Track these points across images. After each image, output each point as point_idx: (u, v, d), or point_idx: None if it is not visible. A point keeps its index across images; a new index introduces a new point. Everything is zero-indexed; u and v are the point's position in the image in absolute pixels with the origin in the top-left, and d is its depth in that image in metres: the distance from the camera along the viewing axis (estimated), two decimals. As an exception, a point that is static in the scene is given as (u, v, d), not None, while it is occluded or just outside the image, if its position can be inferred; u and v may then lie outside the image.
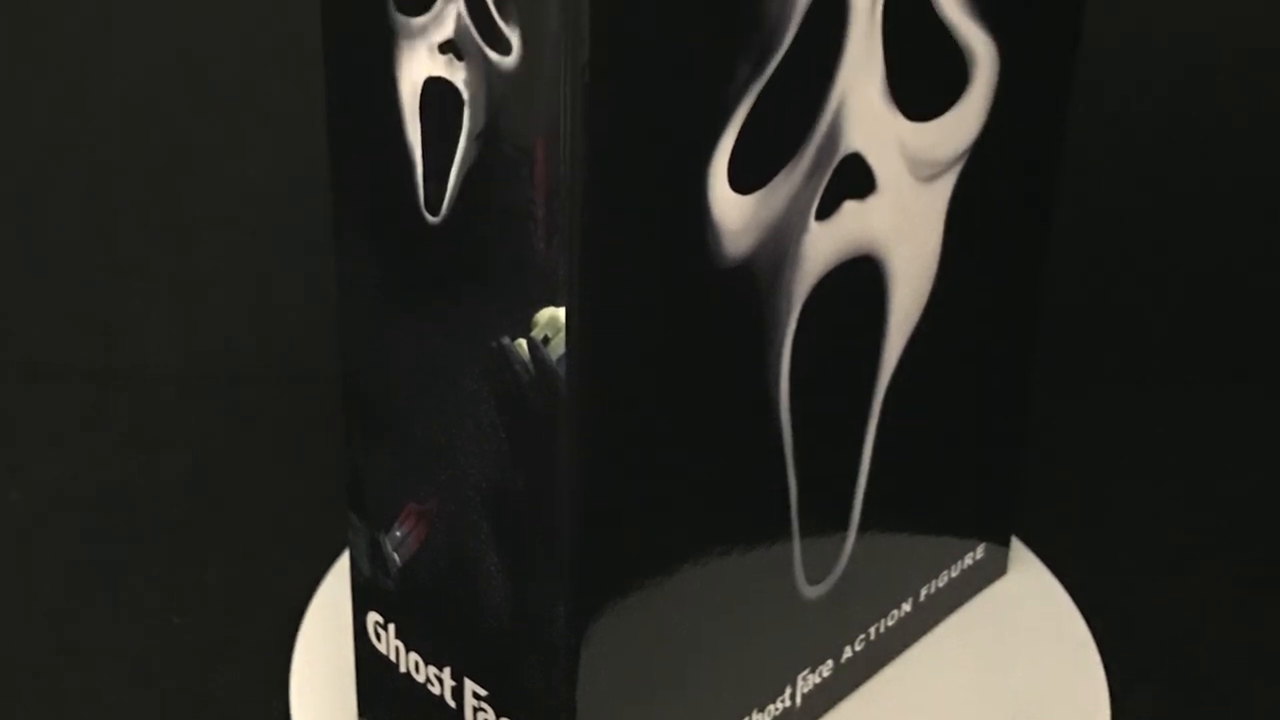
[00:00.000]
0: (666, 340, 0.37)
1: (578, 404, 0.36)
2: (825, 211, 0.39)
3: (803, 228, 0.39)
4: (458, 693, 0.41)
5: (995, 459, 0.50)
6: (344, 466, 0.42)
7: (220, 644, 0.51)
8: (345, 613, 0.48)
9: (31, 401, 0.62)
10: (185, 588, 0.53)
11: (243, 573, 0.53)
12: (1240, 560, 0.55)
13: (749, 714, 0.44)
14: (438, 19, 0.35)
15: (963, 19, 0.41)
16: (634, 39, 0.33)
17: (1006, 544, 0.52)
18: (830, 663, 0.46)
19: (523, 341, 0.36)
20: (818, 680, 0.46)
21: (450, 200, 0.36)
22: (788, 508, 0.42)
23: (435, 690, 0.42)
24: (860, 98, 0.39)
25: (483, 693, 0.41)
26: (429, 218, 0.37)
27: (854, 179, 0.40)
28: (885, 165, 0.40)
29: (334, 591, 0.51)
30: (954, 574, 0.50)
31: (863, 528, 0.45)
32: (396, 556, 0.41)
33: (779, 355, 0.40)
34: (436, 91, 0.35)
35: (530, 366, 0.36)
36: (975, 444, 0.49)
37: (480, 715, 0.41)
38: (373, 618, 0.43)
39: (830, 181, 0.39)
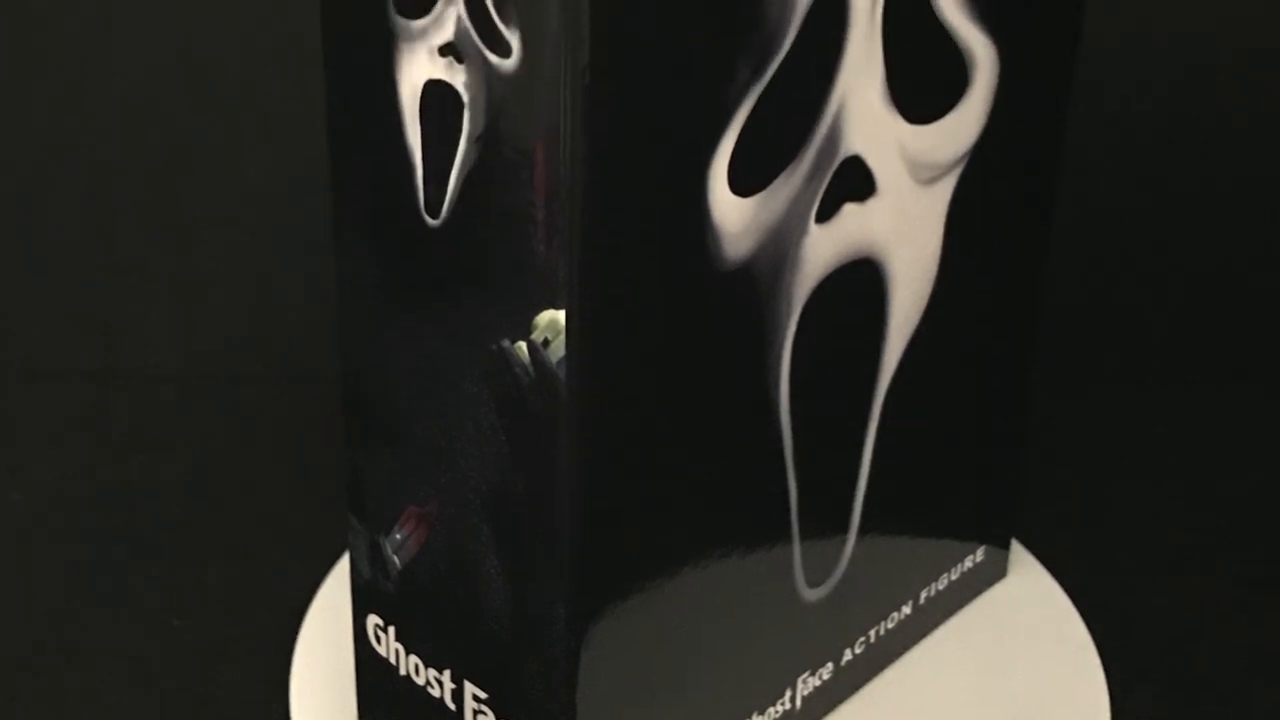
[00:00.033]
0: (666, 343, 0.37)
1: (577, 406, 0.36)
2: (825, 214, 0.39)
3: (803, 230, 0.39)
4: (458, 695, 0.41)
5: (995, 461, 0.50)
6: (344, 468, 0.42)
7: (220, 646, 0.51)
8: (345, 615, 0.48)
9: (32, 402, 0.62)
10: (185, 589, 0.53)
11: (243, 574, 0.53)
12: (1240, 562, 0.55)
13: (749, 716, 0.44)
14: (438, 21, 0.35)
15: (963, 21, 0.41)
16: (634, 41, 0.33)
17: (1006, 546, 0.52)
18: (830, 665, 0.46)
19: (523, 344, 0.36)
20: (818, 683, 0.46)
21: (450, 203, 0.36)
22: (788, 510, 0.42)
23: (435, 693, 0.42)
24: (860, 100, 0.39)
25: (483, 695, 0.41)
26: (429, 220, 0.37)
27: (854, 181, 0.40)
28: (885, 168, 0.40)
29: (334, 594, 0.51)
30: (954, 576, 0.50)
31: (863, 530, 0.45)
32: (396, 559, 0.41)
33: (779, 357, 0.40)
34: (436, 94, 0.35)
35: (530, 369, 0.36)
36: (975, 446, 0.49)
37: (480, 718, 0.41)
38: (373, 620, 0.43)
39: (830, 184, 0.39)
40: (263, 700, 0.48)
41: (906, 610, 0.48)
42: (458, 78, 0.35)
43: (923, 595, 0.49)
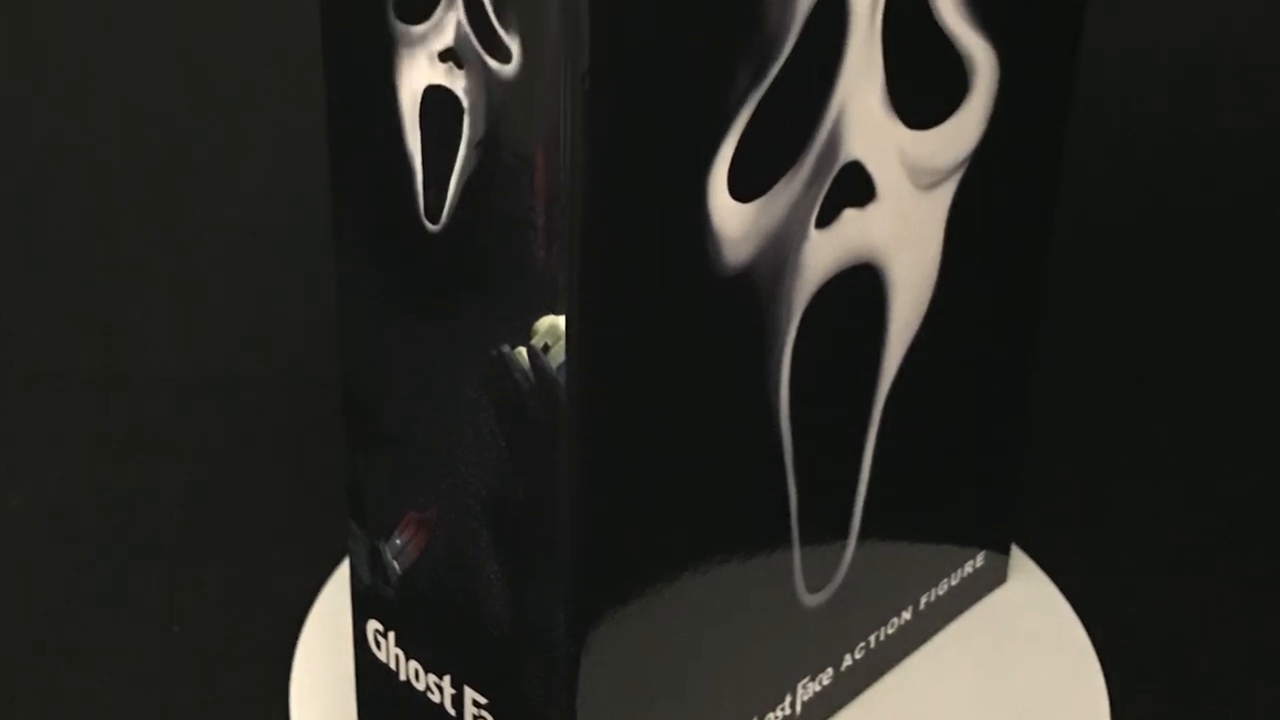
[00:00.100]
0: (666, 348, 0.37)
1: (577, 412, 0.36)
2: (825, 220, 0.39)
3: (803, 236, 0.39)
4: (458, 701, 0.41)
5: (995, 467, 0.50)
6: (344, 474, 0.42)
7: (220, 651, 0.51)
8: (345, 621, 0.48)
9: (31, 407, 0.62)
10: (185, 594, 0.53)
11: (243, 579, 0.53)
12: (1241, 567, 0.55)
13: (749, 722, 0.44)
14: (437, 27, 0.34)
15: (963, 26, 0.41)
16: (634, 46, 0.33)
17: (1006, 552, 0.52)
18: (830, 671, 0.46)
19: (522, 349, 0.36)
20: (818, 688, 0.46)
21: (450, 208, 0.36)
22: (788, 516, 0.42)
23: (435, 698, 0.42)
24: (860, 106, 0.39)
25: (483, 701, 0.41)
26: (429, 226, 0.36)
27: (854, 187, 0.40)
28: (885, 173, 0.40)
29: (334, 599, 0.51)
30: (954, 582, 0.50)
31: (863, 536, 0.45)
32: (396, 565, 0.41)
33: (779, 363, 0.40)
34: (436, 99, 0.35)
35: (530, 374, 0.36)
36: (975, 452, 0.49)
37: (480, 723, 0.41)
38: (372, 626, 0.43)
39: (830, 190, 0.39)
40: (263, 706, 0.48)
41: (906, 616, 0.48)
42: (458, 83, 0.34)
43: (923, 600, 0.49)
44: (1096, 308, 0.68)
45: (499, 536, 0.38)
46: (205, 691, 0.49)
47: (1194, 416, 0.63)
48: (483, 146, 0.35)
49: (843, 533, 0.45)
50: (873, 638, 0.47)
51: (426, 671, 0.42)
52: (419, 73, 0.35)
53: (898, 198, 0.41)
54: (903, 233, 0.42)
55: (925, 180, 0.42)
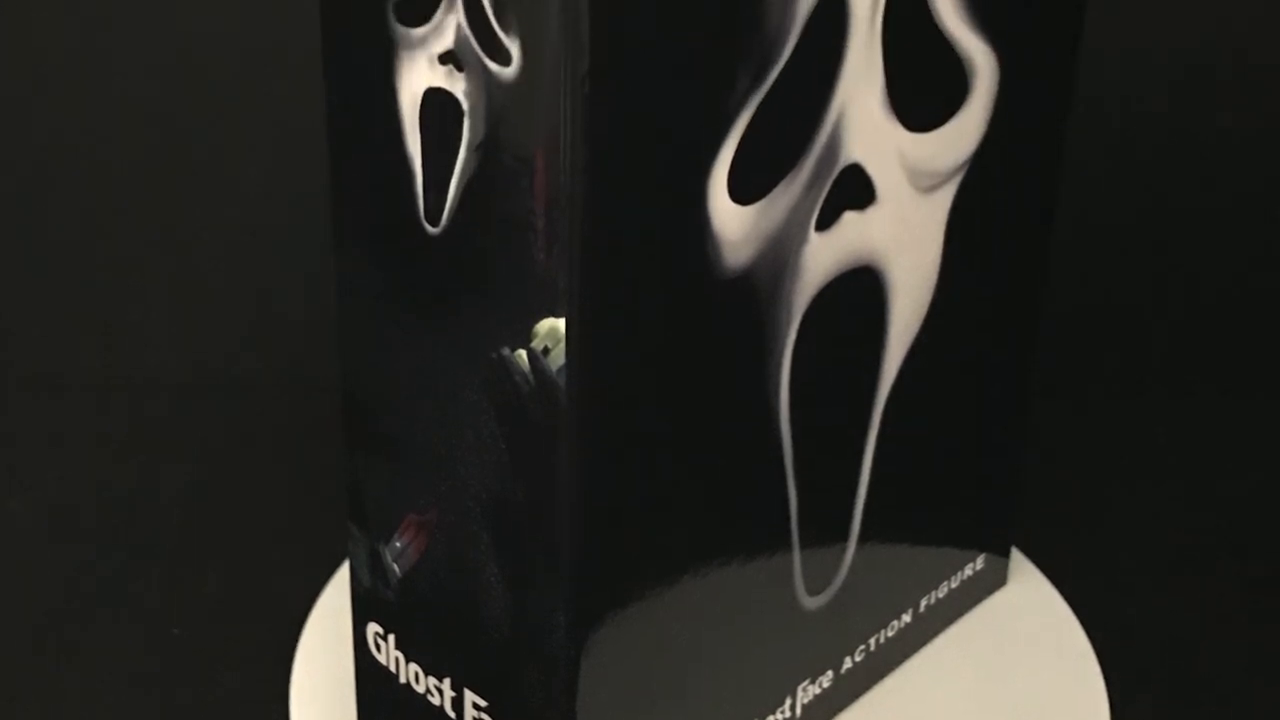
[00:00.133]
0: (666, 350, 0.37)
1: (577, 414, 0.36)
2: (825, 222, 0.39)
3: (802, 239, 0.39)
4: (458, 703, 0.41)
5: (995, 469, 0.50)
6: (344, 476, 0.42)
7: (220, 653, 0.51)
8: (345, 623, 0.48)
9: (32, 408, 0.62)
10: (186, 597, 0.53)
11: (243, 582, 0.53)
12: (1241, 569, 0.55)
13: (749, 724, 0.44)
14: (437, 30, 0.34)
15: (963, 29, 0.41)
16: (634, 48, 0.33)
17: (1006, 555, 0.52)
18: (830, 673, 0.46)
19: (523, 352, 0.36)
20: (818, 691, 0.46)
21: (450, 211, 0.36)
22: (788, 518, 0.42)
23: (435, 701, 0.42)
24: (860, 108, 0.39)
25: (483, 703, 0.41)
26: (429, 228, 0.36)
27: (854, 190, 0.40)
28: (885, 176, 0.40)
29: (334, 602, 0.51)
30: (954, 585, 0.50)
31: (863, 538, 0.45)
32: (396, 567, 0.41)
33: (779, 366, 0.40)
34: (436, 102, 0.35)
35: (530, 377, 0.36)
36: (975, 454, 0.49)
37: (480, 726, 0.41)
38: (372, 628, 0.43)
39: (830, 192, 0.39)
40: (262, 707, 0.48)
41: (906, 618, 0.48)
42: (458, 86, 0.34)
43: (923, 603, 0.49)
44: (1096, 308, 0.68)
45: (499, 539, 0.38)
46: (205, 692, 0.49)
47: (1194, 417, 0.63)
48: (483, 149, 0.35)
49: (843, 535, 0.45)
50: (872, 640, 0.47)
51: (426, 674, 0.42)
52: (419, 75, 0.35)
53: (898, 200, 0.41)
54: (903, 235, 0.42)
55: (925, 183, 0.42)
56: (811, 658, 0.45)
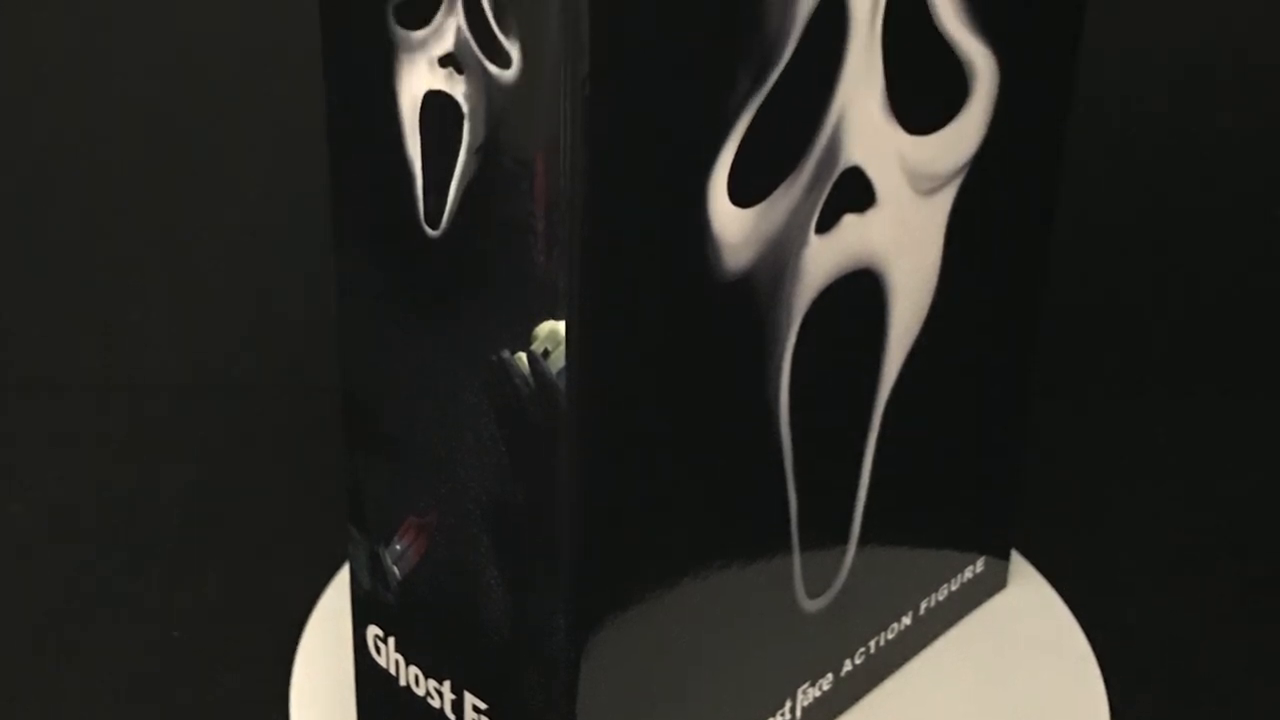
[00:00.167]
0: (666, 353, 0.37)
1: (577, 417, 0.36)
2: (825, 225, 0.39)
3: (802, 241, 0.39)
4: (458, 706, 0.41)
5: (995, 472, 0.50)
6: (344, 479, 0.42)
7: (220, 656, 0.51)
8: (345, 626, 0.48)
9: (32, 409, 0.62)
10: (185, 596, 0.53)
11: (243, 584, 0.53)
12: (1240, 570, 0.55)
13: (749, 727, 0.44)
14: (438, 32, 0.34)
15: (963, 32, 0.41)
16: (634, 51, 0.33)
17: (1006, 557, 0.52)
18: (830, 676, 0.46)
19: (523, 355, 0.36)
20: (817, 694, 0.46)
21: (450, 213, 0.36)
22: (788, 521, 0.42)
23: (435, 703, 0.42)
24: (860, 111, 0.39)
25: (483, 706, 0.41)
26: (429, 231, 0.36)
27: (854, 192, 0.40)
28: (885, 178, 0.40)
29: (334, 604, 0.51)
30: (954, 587, 0.50)
31: (863, 541, 0.45)
32: (396, 570, 0.41)
33: (779, 368, 0.40)
34: (436, 105, 0.35)
35: (530, 380, 0.36)
36: (975, 457, 0.49)
37: (480, 728, 0.41)
38: (373, 631, 0.43)
39: (830, 195, 0.39)
40: (263, 708, 0.48)
41: (906, 621, 0.48)
42: (458, 88, 0.34)
43: (923, 606, 0.49)
44: (1096, 308, 0.68)
45: (499, 541, 0.38)
46: (205, 693, 0.49)
47: (1194, 417, 0.63)
48: (483, 152, 0.35)
49: (843, 538, 0.45)
50: (872, 643, 0.47)
51: (426, 677, 0.42)
52: (419, 78, 0.35)
53: (898, 203, 0.41)
54: (903, 238, 0.42)
55: (925, 185, 0.42)
56: (811, 660, 0.45)
